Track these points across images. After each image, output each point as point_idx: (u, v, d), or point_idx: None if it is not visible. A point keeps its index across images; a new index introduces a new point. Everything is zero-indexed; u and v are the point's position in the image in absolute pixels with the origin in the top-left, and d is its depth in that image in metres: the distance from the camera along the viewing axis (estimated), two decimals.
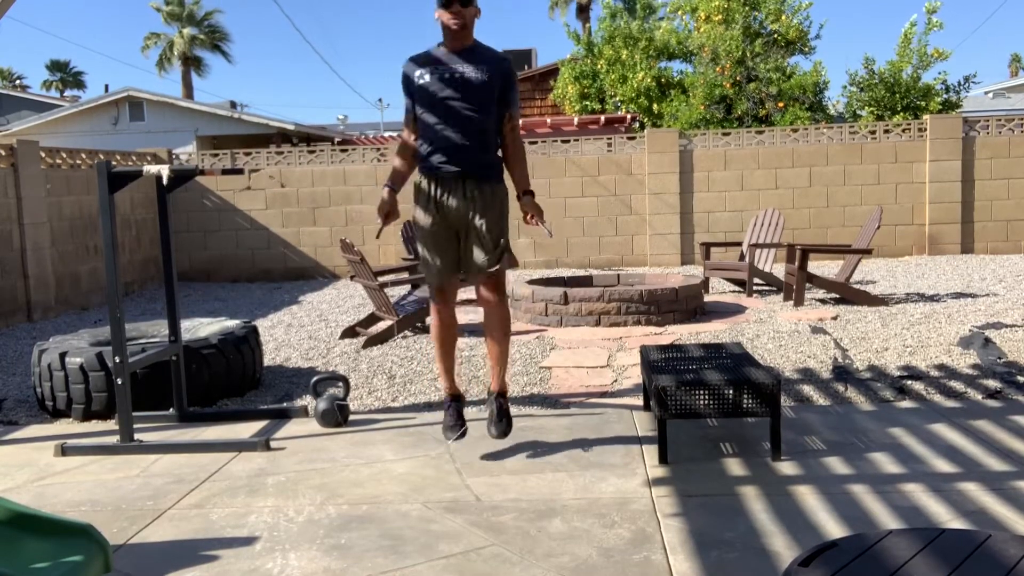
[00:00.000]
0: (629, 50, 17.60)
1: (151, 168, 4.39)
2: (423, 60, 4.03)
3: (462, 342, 6.78)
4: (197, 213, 12.98)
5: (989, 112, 23.33)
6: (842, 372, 5.59)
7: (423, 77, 3.98)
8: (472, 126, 3.95)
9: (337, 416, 4.75)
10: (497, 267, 4.04)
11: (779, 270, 9.86)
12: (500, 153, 4.15)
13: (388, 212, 4.11)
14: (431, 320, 4.21)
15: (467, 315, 7.71)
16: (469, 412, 4.92)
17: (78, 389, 5.08)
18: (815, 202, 12.47)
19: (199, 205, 12.98)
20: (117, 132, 24.03)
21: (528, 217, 4.10)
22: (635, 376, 5.68)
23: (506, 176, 4.11)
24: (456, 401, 4.20)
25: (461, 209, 4.00)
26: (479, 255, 4.02)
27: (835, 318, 7.49)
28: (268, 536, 3.31)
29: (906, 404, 4.82)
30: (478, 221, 3.99)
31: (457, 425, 4.10)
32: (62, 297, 10.13)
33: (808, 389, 5.20)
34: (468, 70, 3.94)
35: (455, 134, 3.95)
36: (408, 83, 4.06)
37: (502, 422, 4.13)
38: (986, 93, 28.92)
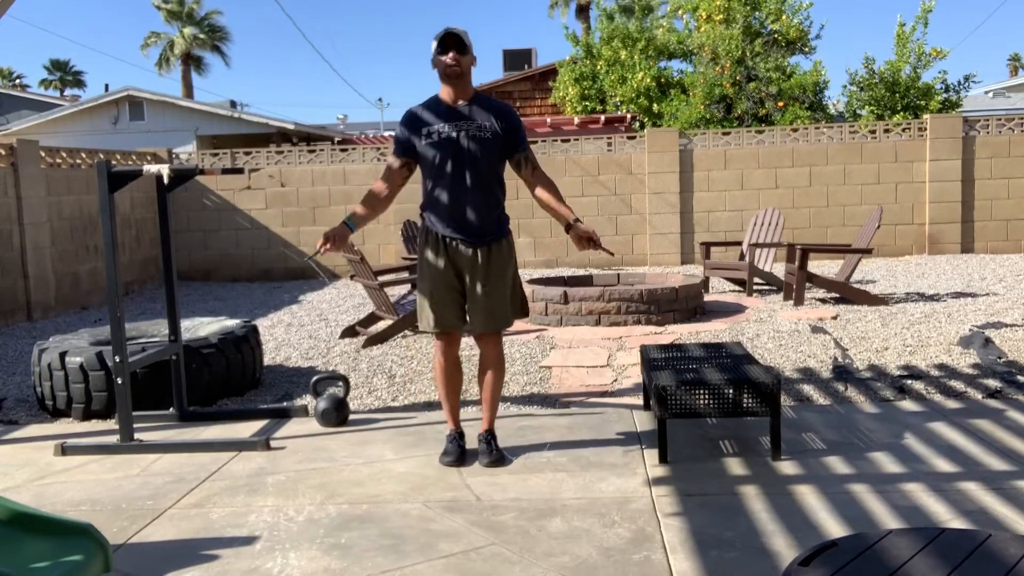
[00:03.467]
0: (628, 50, 17.60)
1: (151, 168, 4.39)
2: (426, 116, 3.92)
3: (463, 341, 6.78)
4: (197, 213, 12.98)
5: (989, 112, 23.34)
6: (842, 372, 5.59)
7: (428, 137, 3.87)
8: (480, 190, 3.90)
9: (337, 416, 4.74)
10: (503, 325, 4.03)
11: (779, 270, 9.86)
12: (534, 193, 4.06)
13: (334, 244, 3.87)
14: (435, 359, 4.13)
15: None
16: (469, 411, 4.94)
17: (78, 388, 5.08)
18: (815, 202, 12.47)
19: (199, 205, 12.98)
20: (117, 132, 24.02)
21: (583, 242, 3.94)
22: (635, 376, 5.68)
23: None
24: (459, 437, 4.15)
25: (470, 267, 3.95)
26: (487, 315, 3.97)
27: (835, 318, 7.49)
28: (268, 535, 3.31)
29: (906, 404, 4.81)
30: (491, 284, 3.94)
31: (458, 460, 4.03)
32: (62, 297, 10.13)
33: (808, 389, 5.20)
34: (472, 128, 3.86)
35: (463, 203, 3.88)
36: (414, 129, 3.92)
37: (492, 454, 4.06)
38: (986, 93, 28.93)
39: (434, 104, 3.96)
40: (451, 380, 4.14)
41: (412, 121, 3.96)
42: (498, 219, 4.01)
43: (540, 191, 4.04)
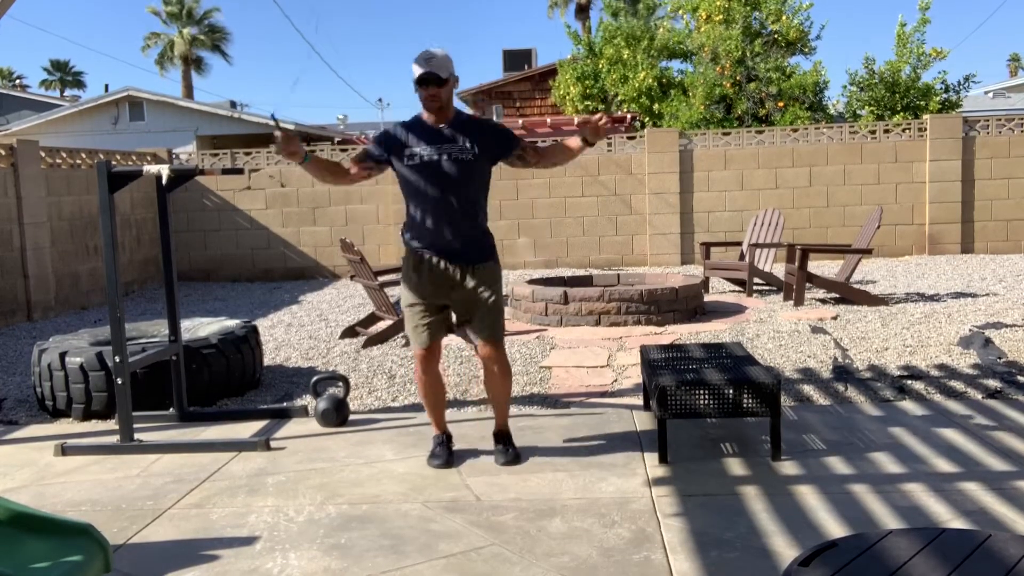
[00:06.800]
0: (631, 50, 17.60)
1: (151, 168, 4.39)
2: (407, 138, 3.90)
3: (460, 343, 6.78)
4: (197, 213, 12.98)
5: (989, 112, 23.33)
6: (842, 372, 5.59)
7: (410, 159, 3.86)
8: (462, 210, 3.87)
9: (337, 416, 4.74)
10: (498, 335, 3.99)
11: (779, 270, 9.86)
12: (550, 162, 4.07)
13: (287, 144, 3.71)
14: (416, 376, 4.10)
15: None
16: (469, 411, 4.95)
17: (78, 389, 5.08)
18: (815, 202, 12.47)
19: (199, 205, 12.98)
20: (117, 132, 24.02)
21: (599, 130, 3.79)
22: (635, 376, 5.68)
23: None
24: (446, 439, 4.15)
25: (454, 286, 3.92)
26: (481, 329, 3.95)
27: (835, 318, 7.49)
28: (268, 536, 3.31)
29: (906, 404, 4.81)
30: (474, 298, 3.91)
31: (446, 461, 4.04)
32: (62, 297, 10.13)
33: (808, 389, 5.20)
34: (454, 151, 3.83)
35: (443, 225, 3.85)
36: (389, 147, 3.93)
37: (508, 452, 4.07)
38: (986, 93, 28.91)
39: (417, 124, 3.93)
40: (433, 392, 4.12)
41: (394, 139, 3.94)
42: (482, 244, 3.97)
43: (552, 156, 4.06)
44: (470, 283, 3.92)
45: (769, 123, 16.00)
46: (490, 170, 4.00)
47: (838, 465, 3.84)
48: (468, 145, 3.86)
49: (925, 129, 12.31)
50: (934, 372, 5.53)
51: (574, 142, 3.95)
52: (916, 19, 15.48)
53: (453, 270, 3.91)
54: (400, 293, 4.09)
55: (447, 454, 4.08)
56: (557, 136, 13.53)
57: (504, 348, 4.08)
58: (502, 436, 4.15)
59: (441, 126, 3.90)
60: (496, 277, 4.01)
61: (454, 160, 3.84)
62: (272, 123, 3.91)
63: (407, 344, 7.09)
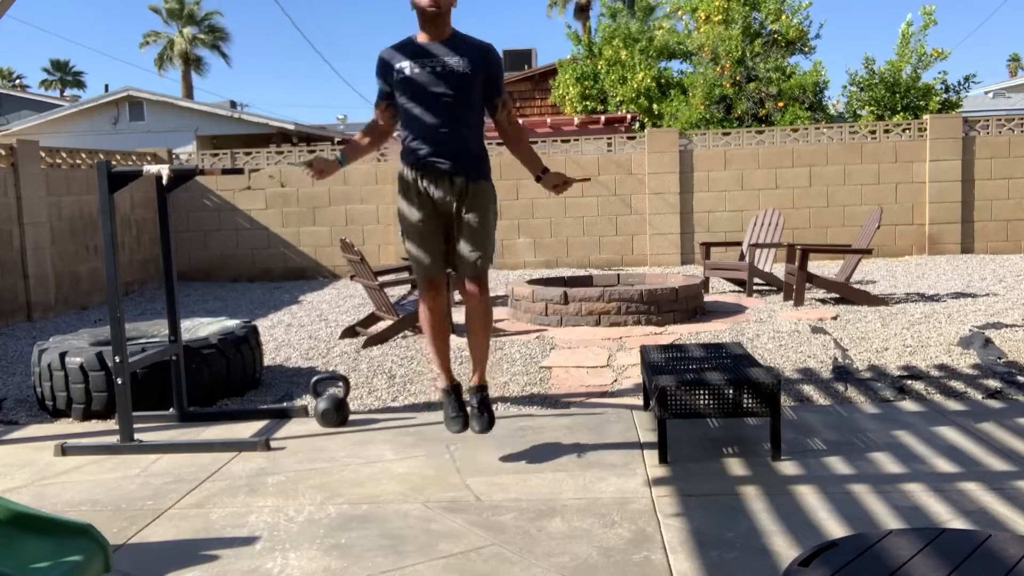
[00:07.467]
0: (629, 50, 17.60)
1: (151, 168, 4.39)
2: (404, 50, 3.89)
3: (459, 340, 6.78)
4: (197, 213, 12.98)
5: (989, 112, 23.33)
6: (842, 372, 5.59)
7: (405, 69, 3.84)
8: (458, 119, 3.85)
9: (337, 416, 4.74)
10: (484, 265, 3.97)
11: (779, 270, 9.86)
12: (502, 140, 4.12)
13: (320, 171, 4.05)
14: (421, 311, 4.08)
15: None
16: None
17: (78, 389, 5.08)
18: (815, 202, 12.47)
19: (199, 205, 12.98)
20: (117, 132, 24.03)
21: (559, 187, 4.08)
22: (635, 376, 5.68)
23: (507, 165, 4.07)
24: (455, 391, 4.11)
25: (449, 202, 3.90)
26: (467, 253, 3.92)
27: (835, 318, 7.49)
28: (268, 536, 3.31)
29: (906, 404, 4.81)
30: (466, 216, 3.89)
31: (459, 416, 4.02)
32: (62, 297, 10.13)
33: (808, 389, 5.20)
34: (452, 61, 3.81)
35: (441, 128, 3.83)
36: (386, 71, 3.92)
37: (483, 416, 4.03)
38: (986, 93, 28.91)
39: (408, 44, 3.91)
40: (439, 328, 4.08)
41: (385, 63, 3.92)
42: (476, 158, 3.94)
43: (510, 136, 4.10)
44: (464, 203, 3.89)
45: (769, 123, 16.00)
46: (482, 97, 3.94)
47: (838, 465, 3.84)
48: (463, 60, 3.83)
49: (925, 129, 12.32)
50: (934, 372, 5.53)
51: (534, 164, 4.11)
52: (920, 20, 15.46)
53: (448, 183, 3.88)
54: (400, 218, 4.05)
55: (464, 414, 4.03)
56: (557, 136, 13.53)
57: (488, 289, 4.03)
58: (481, 392, 4.08)
59: (435, 43, 3.86)
60: (489, 203, 3.96)
61: (451, 69, 3.81)
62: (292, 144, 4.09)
63: (417, 330, 7.11)
